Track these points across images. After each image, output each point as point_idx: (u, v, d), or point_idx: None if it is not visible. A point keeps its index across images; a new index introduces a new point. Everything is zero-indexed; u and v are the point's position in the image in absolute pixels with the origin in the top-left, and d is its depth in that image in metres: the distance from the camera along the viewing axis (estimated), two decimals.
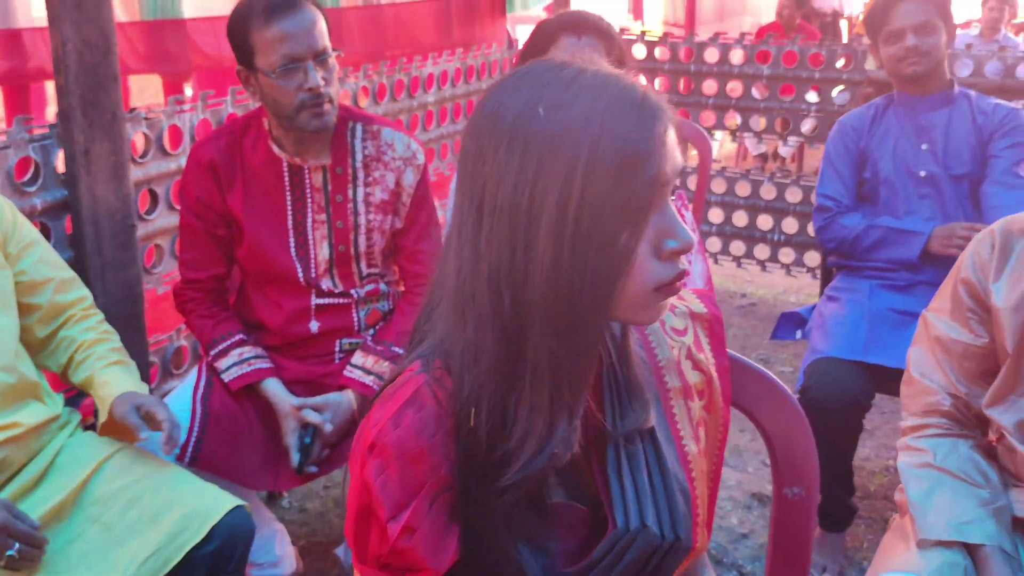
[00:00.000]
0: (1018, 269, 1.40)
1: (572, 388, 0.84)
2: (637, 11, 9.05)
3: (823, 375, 2.15)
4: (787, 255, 4.43)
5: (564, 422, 0.83)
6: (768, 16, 8.76)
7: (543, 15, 5.78)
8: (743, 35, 4.44)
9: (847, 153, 2.50)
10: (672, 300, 0.93)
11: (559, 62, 0.85)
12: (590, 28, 1.98)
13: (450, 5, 4.29)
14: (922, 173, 2.39)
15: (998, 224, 1.46)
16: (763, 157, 7.44)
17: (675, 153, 0.84)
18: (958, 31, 7.02)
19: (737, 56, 4.37)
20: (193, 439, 1.85)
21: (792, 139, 4.67)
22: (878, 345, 2.17)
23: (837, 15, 9.03)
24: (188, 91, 3.69)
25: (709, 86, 4.45)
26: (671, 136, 0.83)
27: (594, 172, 0.78)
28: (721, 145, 7.49)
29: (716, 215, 4.56)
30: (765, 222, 4.46)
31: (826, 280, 2.69)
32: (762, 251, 4.51)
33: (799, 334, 2.57)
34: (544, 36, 2.00)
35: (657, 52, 4.60)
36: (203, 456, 1.84)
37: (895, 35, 2.35)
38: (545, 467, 0.83)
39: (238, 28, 1.81)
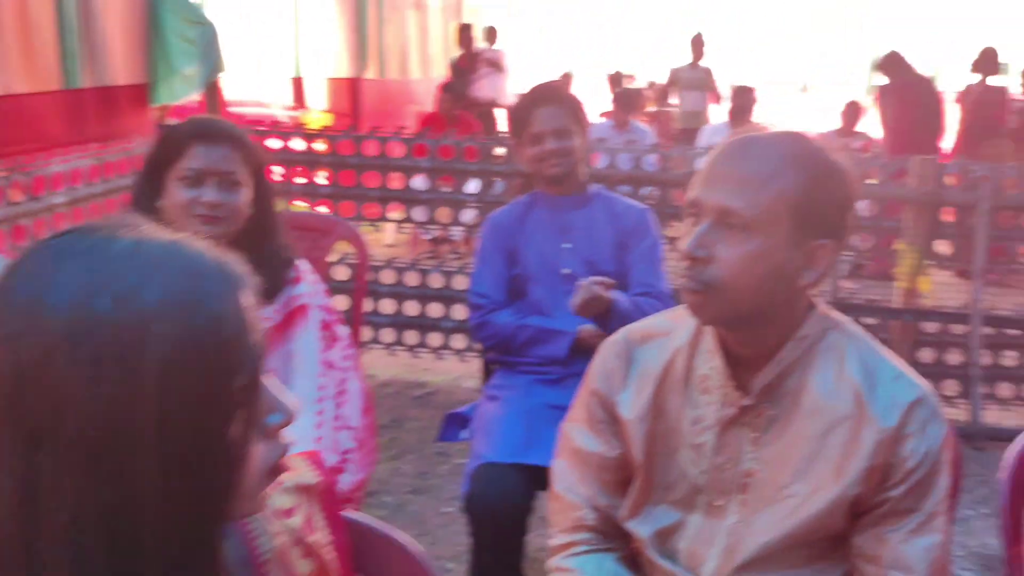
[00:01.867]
0: (640, 378, 1.44)
1: None
2: (299, 99, 8.98)
3: (486, 481, 2.13)
4: (459, 341, 4.50)
5: None
6: (432, 103, 9.09)
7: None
8: (401, 128, 4.50)
9: (497, 251, 2.55)
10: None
11: (105, 231, 0.68)
12: (223, 137, 1.83)
13: (82, 96, 3.92)
14: (565, 271, 2.49)
15: (620, 334, 1.50)
16: (435, 241, 7.62)
17: (258, 319, 0.72)
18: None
19: (397, 149, 4.42)
20: None
21: (456, 229, 4.80)
22: (537, 444, 2.19)
23: (494, 104, 9.60)
24: None
25: (371, 178, 4.45)
26: (251, 299, 0.72)
27: (190, 370, 0.64)
28: (389, 235, 7.55)
29: (388, 306, 4.54)
30: (436, 310, 4.51)
31: (487, 376, 2.71)
32: (435, 339, 4.55)
33: (464, 434, 2.55)
34: (173, 144, 1.82)
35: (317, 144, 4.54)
36: None
37: (536, 138, 2.46)
38: None
39: None
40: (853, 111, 7.61)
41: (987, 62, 7.27)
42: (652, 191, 4.26)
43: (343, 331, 2.04)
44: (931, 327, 4.19)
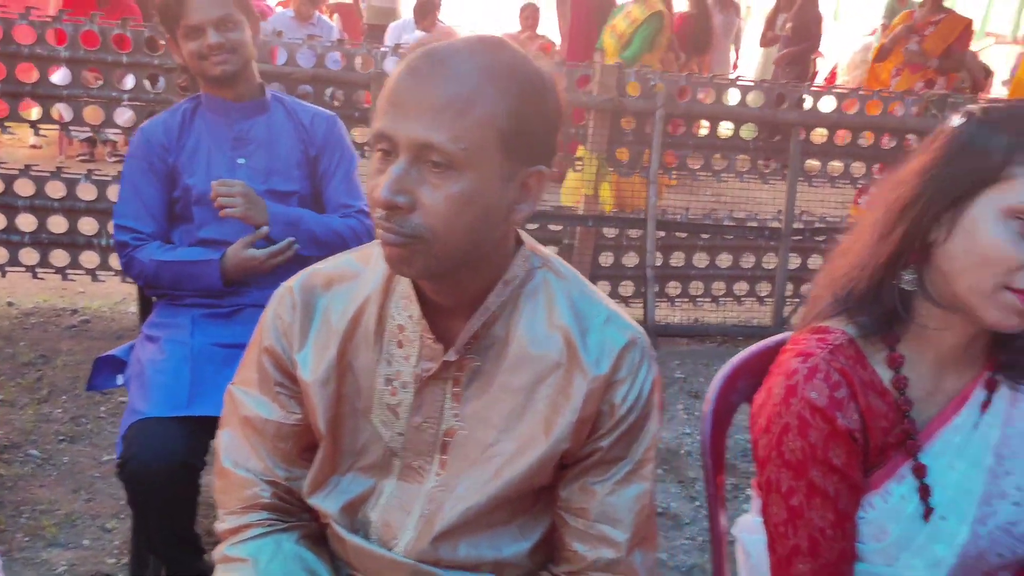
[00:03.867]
0: (324, 333, 1.20)
1: None
2: None
3: (144, 441, 1.80)
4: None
5: None
6: None
7: None
8: (30, 8, 3.74)
9: (152, 172, 2.13)
10: None
11: None
12: None
13: None
14: None
15: (296, 279, 1.24)
16: (91, 142, 6.70)
17: None
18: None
19: (26, 34, 3.67)
20: None
21: (110, 132, 4.15)
22: (204, 392, 1.88)
23: None
24: None
25: None
26: None
27: None
28: (32, 136, 6.50)
29: (27, 222, 3.85)
30: (88, 225, 3.90)
31: (145, 311, 2.31)
32: (89, 259, 3.95)
33: (120, 379, 2.17)
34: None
35: None
36: None
37: (193, 30, 2.05)
38: None
39: None
40: (532, 13, 7.67)
41: None
42: (336, 92, 3.93)
43: None
44: (611, 232, 4.34)
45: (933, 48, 5.58)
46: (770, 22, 9.30)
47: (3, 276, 4.00)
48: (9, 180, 3.85)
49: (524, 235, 1.20)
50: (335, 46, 3.99)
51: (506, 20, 8.56)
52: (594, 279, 4.32)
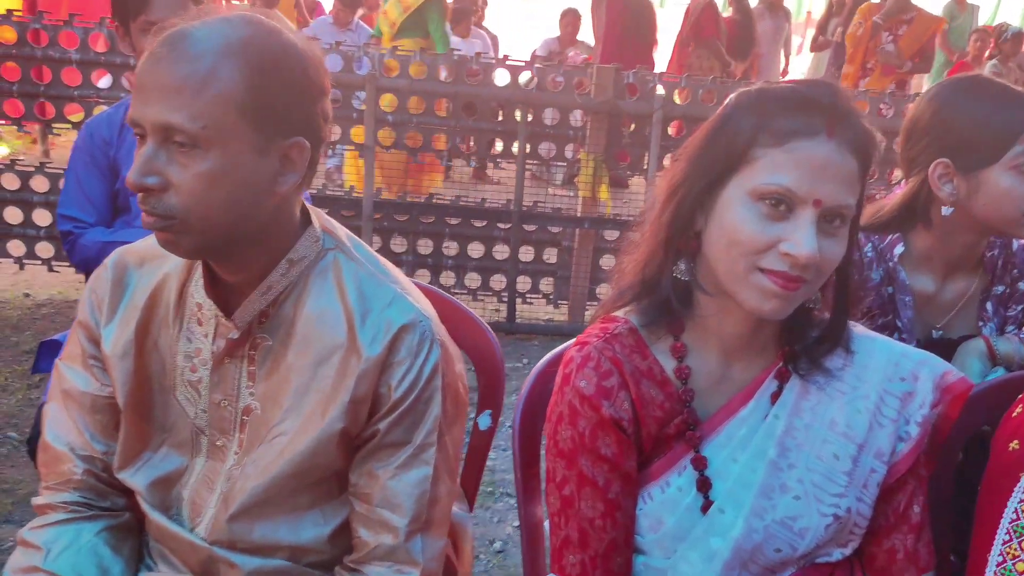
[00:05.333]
0: (129, 308, 1.24)
1: None
2: None
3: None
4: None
5: None
6: None
7: None
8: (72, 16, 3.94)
9: (95, 165, 2.22)
10: None
11: None
12: None
13: None
14: None
15: (113, 256, 1.28)
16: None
17: None
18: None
19: (70, 40, 3.89)
20: None
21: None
22: None
23: None
24: None
25: None
26: None
27: None
28: None
29: (42, 217, 4.04)
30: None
31: None
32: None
33: None
34: None
35: None
36: None
37: (153, 26, 2.11)
38: None
39: None
40: (573, 19, 7.66)
41: None
42: (334, 93, 4.00)
43: None
44: (612, 235, 4.31)
45: (907, 48, 5.37)
46: (821, 27, 9.09)
47: (21, 269, 4.19)
48: (25, 177, 4.04)
49: (318, 214, 1.22)
50: (334, 48, 4.06)
51: (550, 27, 8.55)
52: (595, 282, 4.30)
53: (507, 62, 4.20)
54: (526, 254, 4.39)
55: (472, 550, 1.45)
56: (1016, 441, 1.13)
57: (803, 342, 1.13)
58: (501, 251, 4.38)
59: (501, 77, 4.27)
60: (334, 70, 4.01)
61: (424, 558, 1.16)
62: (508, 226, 4.21)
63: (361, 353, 1.14)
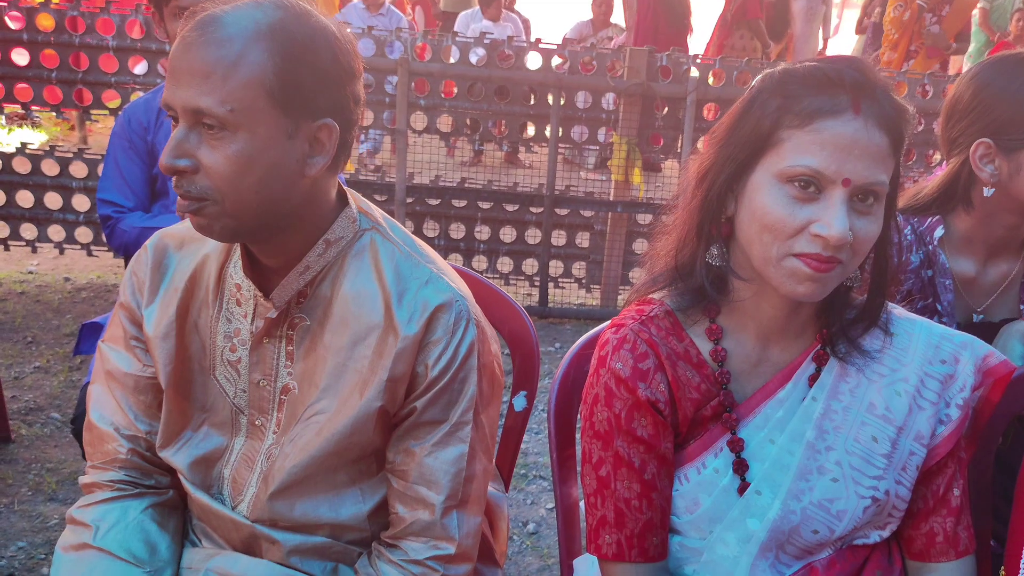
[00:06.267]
0: (171, 292, 1.26)
1: None
2: None
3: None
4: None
5: None
6: None
7: None
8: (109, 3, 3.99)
9: (133, 150, 2.26)
10: None
11: None
12: None
13: None
14: None
15: (153, 239, 1.31)
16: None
17: None
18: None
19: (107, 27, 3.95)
20: None
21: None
22: None
23: None
24: None
25: None
26: None
27: None
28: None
29: (81, 202, 4.11)
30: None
31: None
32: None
33: None
34: None
35: None
36: None
37: (185, 11, 2.14)
38: None
39: None
40: (606, 3, 7.60)
41: None
42: (366, 78, 4.02)
43: None
44: (645, 219, 4.29)
45: (950, 28, 5.27)
46: (865, 9, 8.97)
47: (61, 254, 4.27)
48: (64, 163, 4.11)
49: (354, 196, 1.23)
50: (365, 32, 4.07)
51: (581, 10, 8.49)
52: (628, 267, 4.28)
53: (539, 45, 4.19)
54: (558, 238, 4.39)
55: (507, 529, 1.46)
56: None
57: (840, 324, 1.12)
58: (533, 235, 4.38)
59: (533, 61, 4.25)
60: (366, 55, 4.03)
61: (460, 534, 1.18)
62: (540, 210, 4.20)
63: (398, 332, 1.15)
